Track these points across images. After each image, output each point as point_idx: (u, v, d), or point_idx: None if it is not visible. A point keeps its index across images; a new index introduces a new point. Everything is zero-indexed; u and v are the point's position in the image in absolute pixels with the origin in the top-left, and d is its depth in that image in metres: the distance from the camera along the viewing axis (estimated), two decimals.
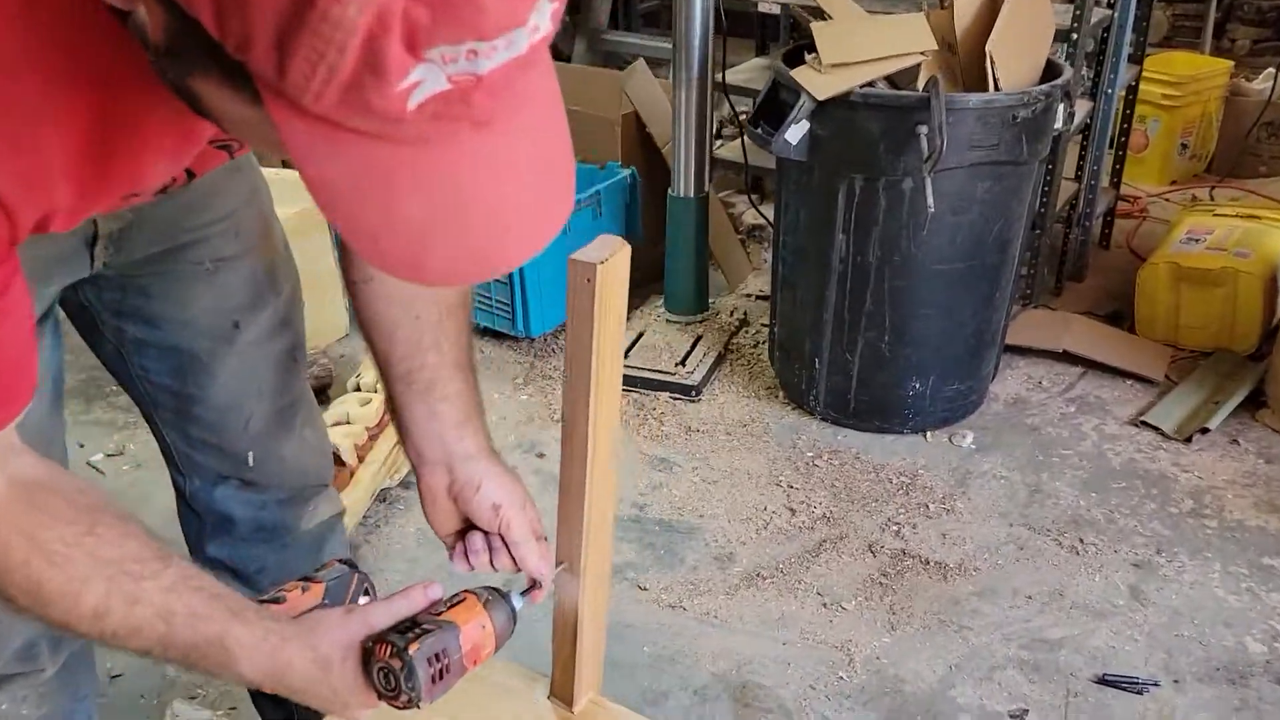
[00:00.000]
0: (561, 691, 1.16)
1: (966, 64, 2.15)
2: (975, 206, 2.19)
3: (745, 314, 2.94)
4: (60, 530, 0.76)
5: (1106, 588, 1.98)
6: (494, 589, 0.94)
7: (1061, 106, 2.29)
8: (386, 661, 0.83)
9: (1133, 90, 3.17)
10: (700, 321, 2.86)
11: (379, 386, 2.23)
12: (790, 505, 2.21)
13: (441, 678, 0.85)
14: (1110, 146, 3.17)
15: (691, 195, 2.72)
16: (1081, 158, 2.97)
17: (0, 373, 0.71)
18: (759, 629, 1.89)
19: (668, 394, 2.59)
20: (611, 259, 0.98)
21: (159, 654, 0.80)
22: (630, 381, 2.62)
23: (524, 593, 0.97)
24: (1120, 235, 3.39)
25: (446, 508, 1.02)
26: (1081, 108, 2.79)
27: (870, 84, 2.12)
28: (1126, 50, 2.90)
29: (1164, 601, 1.94)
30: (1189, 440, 2.39)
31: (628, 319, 2.89)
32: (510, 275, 2.64)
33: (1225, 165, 3.91)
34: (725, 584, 2.00)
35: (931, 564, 2.04)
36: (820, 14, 2.32)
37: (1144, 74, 3.72)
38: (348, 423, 2.14)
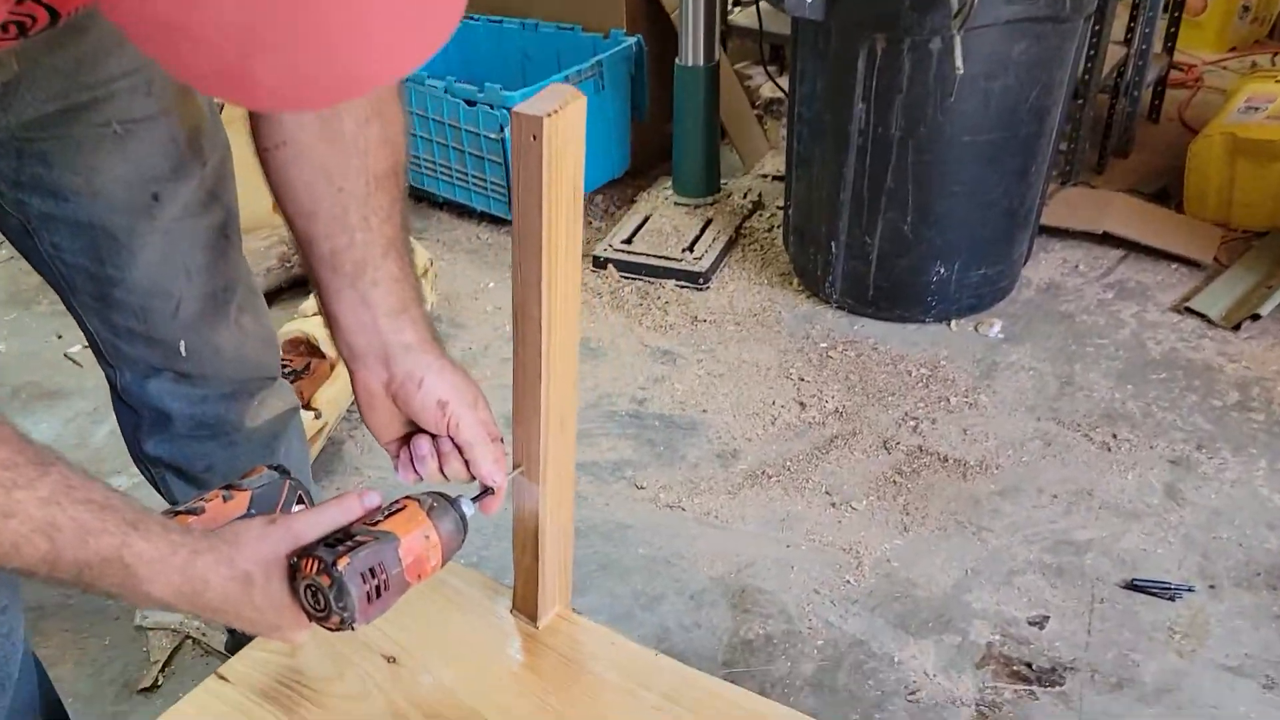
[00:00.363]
0: (525, 605, 1.04)
1: None
2: (1010, 70, 1.97)
3: (760, 196, 2.75)
4: None
5: (1140, 486, 1.83)
6: (440, 494, 0.83)
7: None
8: (313, 578, 0.73)
9: None
10: (711, 204, 2.68)
11: None
12: (800, 399, 2.07)
13: (379, 595, 0.75)
14: (1164, 9, 2.90)
15: (701, 64, 2.51)
16: (1132, 19, 2.70)
17: None
18: (762, 530, 1.77)
19: (674, 282, 2.43)
20: (562, 111, 0.81)
21: (46, 574, 0.70)
22: (634, 269, 2.46)
23: (476, 499, 0.86)
24: (1171, 107, 3.13)
25: (386, 409, 0.89)
26: None
27: None
28: None
29: (1202, 501, 1.80)
30: (1237, 328, 2.21)
31: (633, 202, 2.73)
32: (505, 154, 2.47)
33: None
34: (727, 483, 1.88)
35: (950, 461, 1.90)
36: None
37: None
38: None
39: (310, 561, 0.74)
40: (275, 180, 0.87)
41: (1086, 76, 2.50)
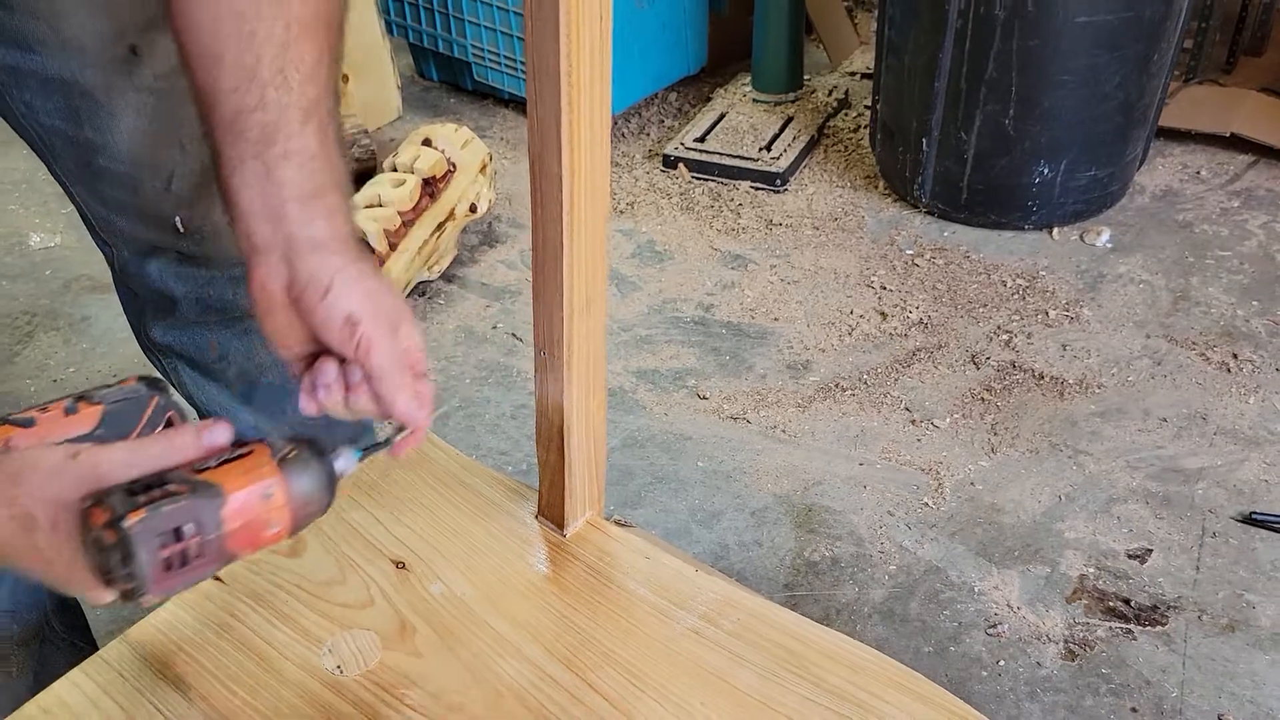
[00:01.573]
0: (550, 511, 0.93)
1: None
2: None
3: (847, 93, 2.55)
4: None
5: (1262, 411, 1.64)
6: (307, 441, 0.65)
7: None
8: (99, 531, 0.58)
9: None
10: (792, 101, 2.49)
11: (415, 165, 1.98)
12: (881, 309, 1.91)
13: (182, 564, 0.59)
14: None
15: None
16: None
17: None
18: (833, 447, 1.63)
19: (749, 182, 2.27)
20: None
21: None
22: (706, 168, 2.30)
23: (368, 449, 0.68)
24: None
25: (285, 318, 0.71)
26: None
27: None
28: None
29: None
30: None
31: (708, 99, 2.56)
32: None
33: None
34: (797, 395, 1.73)
35: (1046, 379, 1.73)
36: None
37: None
38: (379, 205, 1.91)
39: (99, 511, 0.58)
40: (174, 10, 0.72)
41: None
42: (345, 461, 0.65)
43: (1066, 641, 1.32)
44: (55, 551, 0.59)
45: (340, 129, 0.74)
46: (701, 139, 2.36)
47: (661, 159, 2.35)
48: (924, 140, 2.05)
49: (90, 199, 0.98)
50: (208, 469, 0.61)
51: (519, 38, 2.44)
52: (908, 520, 1.50)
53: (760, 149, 2.31)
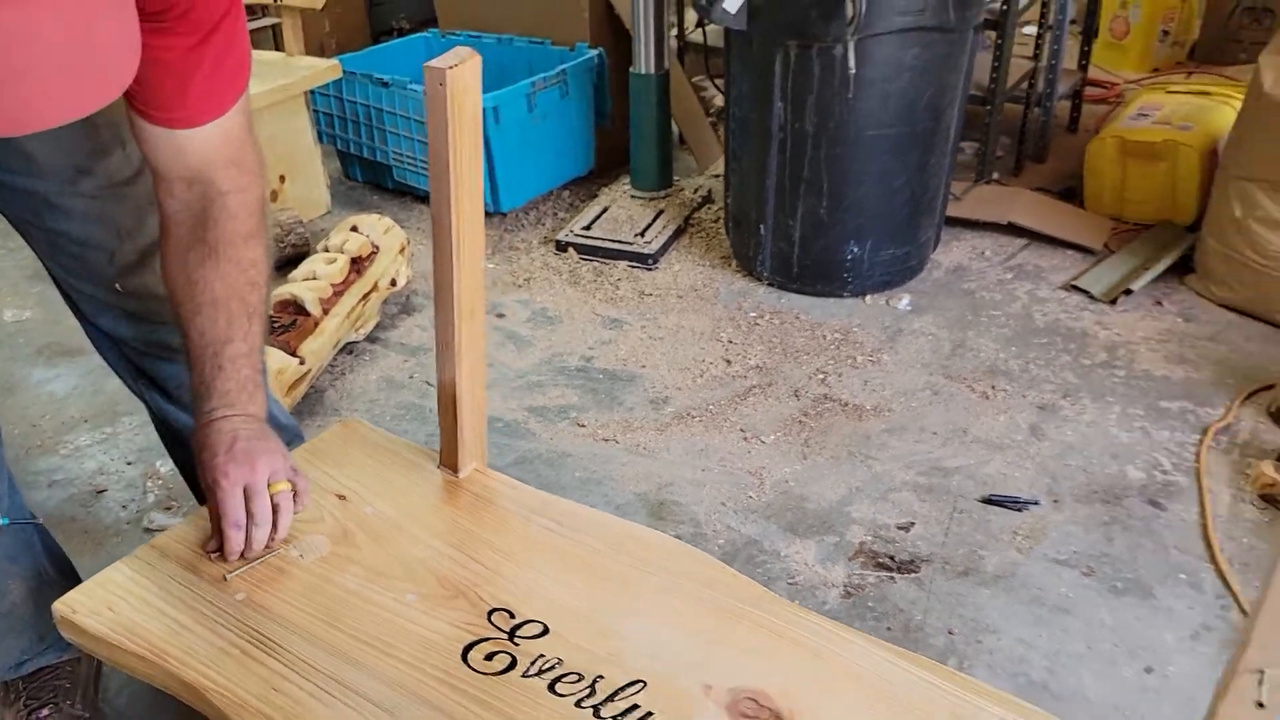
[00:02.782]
0: (448, 460, 1.35)
1: None
2: (905, 73, 2.29)
3: (709, 192, 3.07)
4: None
5: (1009, 426, 2.13)
6: None
7: None
8: None
9: None
10: (664, 197, 3.00)
11: (344, 247, 2.41)
12: (727, 357, 2.38)
13: None
14: (1082, 32, 3.23)
15: (652, 72, 2.84)
16: (1039, 37, 3.03)
17: None
18: (682, 458, 2.07)
19: (626, 262, 2.75)
20: (461, 65, 1.13)
21: None
22: (591, 250, 2.78)
23: None
24: (1091, 120, 3.44)
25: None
26: None
27: None
28: None
29: (1059, 437, 2.09)
30: (1114, 302, 2.51)
31: (595, 196, 3.05)
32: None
33: (1207, 52, 3.93)
34: (657, 422, 2.18)
35: (850, 406, 2.21)
36: None
37: None
38: (314, 278, 2.33)
39: None
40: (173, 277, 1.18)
41: (993, 85, 2.82)
42: None
43: (845, 586, 1.76)
44: None
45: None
46: (588, 227, 2.85)
47: (555, 244, 2.82)
48: (761, 227, 2.56)
49: (56, 268, 1.34)
50: None
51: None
52: (735, 508, 1.94)
53: (636, 235, 2.80)
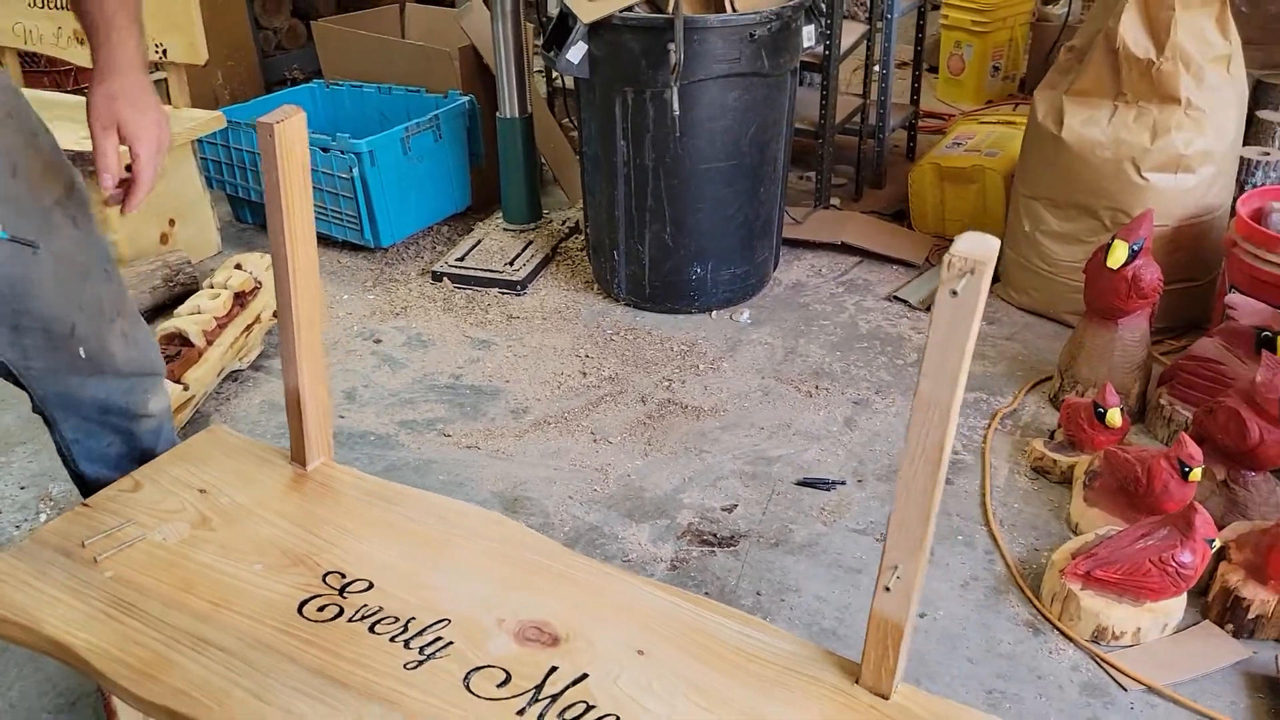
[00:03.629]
0: (298, 455, 1.57)
1: None
2: (729, 113, 2.59)
3: (576, 223, 3.33)
4: None
5: (827, 420, 2.41)
6: None
7: (812, 27, 2.70)
8: None
9: (921, 16, 3.57)
10: (533, 229, 3.25)
11: (228, 283, 2.61)
12: (584, 370, 2.63)
13: None
14: (913, 69, 3.59)
15: (516, 115, 3.10)
16: (867, 77, 3.37)
17: None
18: (537, 460, 2.31)
19: (496, 289, 2.99)
20: (287, 120, 1.36)
21: None
22: (464, 280, 3.01)
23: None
24: (927, 148, 3.80)
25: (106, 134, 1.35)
26: (855, 30, 3.19)
27: (630, 9, 2.50)
28: None
29: (869, 427, 2.38)
30: (928, 309, 2.82)
31: (469, 230, 3.29)
32: (355, 188, 3.01)
33: (1034, 85, 4.33)
34: (516, 429, 2.41)
35: (689, 408, 2.47)
36: None
37: (957, 3, 4.14)
38: (199, 312, 2.52)
39: None
40: None
41: (822, 121, 3.14)
42: None
43: (672, 561, 2.01)
44: None
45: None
46: (462, 258, 3.09)
47: (431, 274, 3.05)
48: (615, 253, 2.82)
49: (12, 352, 1.43)
50: None
51: (316, 188, 3.13)
52: (581, 500, 2.18)
53: (506, 264, 3.05)
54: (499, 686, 1.19)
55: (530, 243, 3.18)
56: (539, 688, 1.19)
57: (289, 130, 1.37)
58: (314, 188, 3.11)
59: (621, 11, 2.49)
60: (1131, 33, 2.37)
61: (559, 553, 1.40)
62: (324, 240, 3.26)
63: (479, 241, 3.18)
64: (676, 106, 2.45)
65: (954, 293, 0.99)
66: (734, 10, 2.49)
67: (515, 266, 3.04)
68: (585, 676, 1.20)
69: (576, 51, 2.56)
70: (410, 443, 2.38)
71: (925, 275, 2.99)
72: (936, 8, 4.32)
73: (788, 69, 2.65)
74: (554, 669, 1.21)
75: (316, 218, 3.16)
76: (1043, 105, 2.61)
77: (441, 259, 3.12)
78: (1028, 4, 4.30)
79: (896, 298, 2.90)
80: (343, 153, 2.99)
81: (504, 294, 2.98)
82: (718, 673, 1.20)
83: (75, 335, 1.45)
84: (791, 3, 2.58)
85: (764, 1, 2.57)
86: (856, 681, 1.19)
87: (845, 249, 3.13)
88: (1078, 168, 2.52)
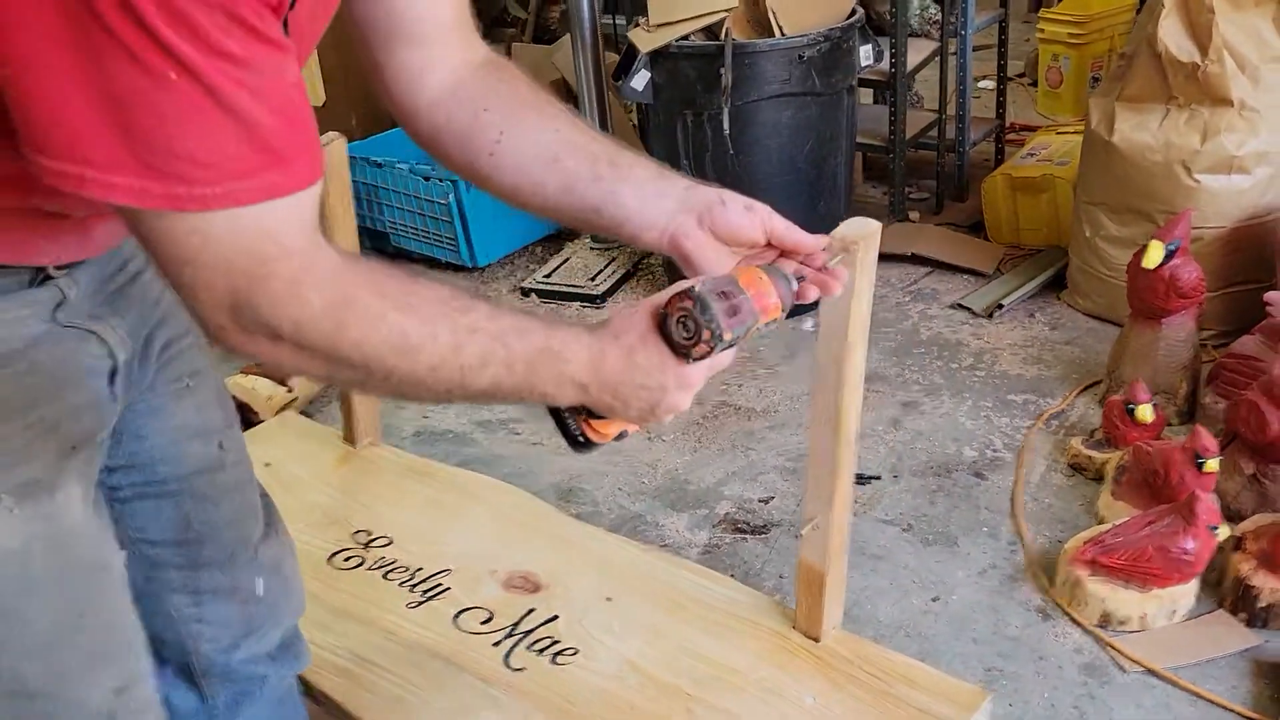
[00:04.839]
0: (348, 436, 1.81)
1: (765, 16, 2.69)
2: (783, 131, 2.73)
3: None
4: (393, 283, 0.77)
5: (875, 419, 2.50)
6: (767, 264, 0.95)
7: (869, 46, 2.82)
8: (679, 307, 0.83)
9: (1003, 30, 3.60)
10: (617, 248, 3.46)
11: None
12: None
13: (735, 313, 0.84)
14: (1001, 83, 3.63)
15: None
16: (942, 93, 3.43)
17: (297, 119, 0.71)
18: (595, 456, 2.44)
19: (578, 303, 3.21)
20: (326, 146, 1.60)
21: (509, 382, 0.81)
22: (548, 294, 3.24)
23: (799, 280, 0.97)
24: None
25: (711, 244, 0.97)
26: (926, 47, 3.28)
27: (685, 38, 2.68)
28: None
29: (913, 426, 2.46)
30: (990, 316, 2.87)
31: (559, 249, 3.53)
32: (452, 212, 3.30)
33: None
34: None
35: (743, 409, 2.60)
36: None
37: (1053, 15, 4.16)
38: None
39: (673, 299, 0.84)
40: (510, 178, 0.97)
41: (892, 137, 3.23)
42: (793, 279, 0.94)
43: (705, 546, 2.15)
44: (648, 359, 0.84)
45: None
46: (548, 275, 3.32)
47: (520, 290, 3.30)
48: None
49: (186, 602, 1.08)
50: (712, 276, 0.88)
51: (418, 214, 3.43)
52: (629, 491, 2.35)
53: (588, 280, 3.26)
54: (482, 624, 1.38)
55: (613, 260, 3.38)
56: (515, 625, 1.37)
57: (329, 154, 1.61)
58: (416, 213, 3.43)
59: (678, 40, 2.67)
60: (1173, 37, 2.38)
61: (555, 517, 1.58)
62: (427, 261, 3.56)
63: (566, 260, 3.41)
64: (727, 126, 2.61)
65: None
66: (782, 34, 2.64)
67: (596, 281, 3.25)
68: (556, 617, 1.38)
69: (640, 79, 2.76)
70: (484, 440, 2.61)
71: (993, 283, 3.02)
72: (1028, 22, 4.32)
73: (842, 87, 2.77)
74: (531, 610, 1.39)
75: (419, 241, 3.48)
76: (1096, 113, 2.64)
77: (530, 276, 3.37)
78: (1126, 15, 4.23)
79: (960, 305, 2.95)
80: (441, 180, 3.28)
81: (585, 307, 3.19)
82: (671, 616, 1.35)
83: (258, 558, 1.17)
84: (840, 24, 2.71)
85: (814, 23, 2.70)
86: (794, 627, 1.32)
87: (916, 260, 3.19)
88: (1130, 172, 2.54)
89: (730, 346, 0.85)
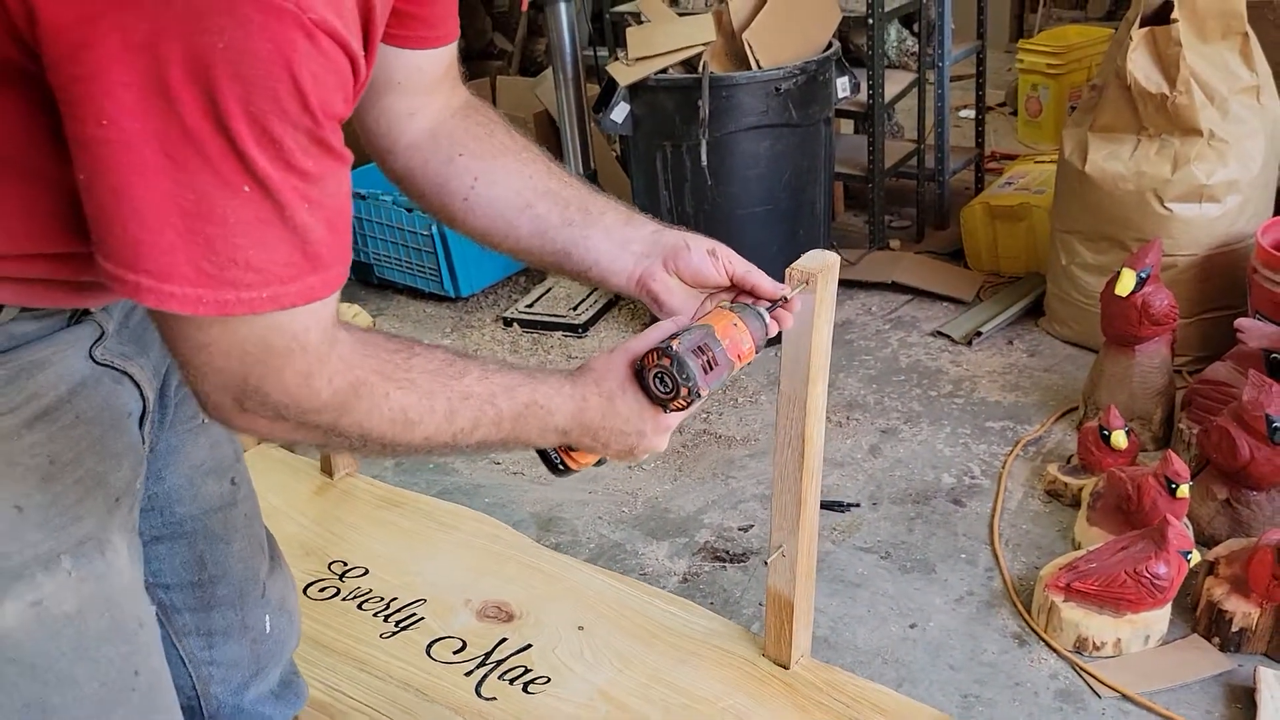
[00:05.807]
0: (326, 467, 1.81)
1: (742, 49, 2.73)
2: (762, 162, 2.76)
3: None
4: (395, 360, 0.79)
5: (853, 447, 2.52)
6: (738, 303, 0.99)
7: (846, 79, 2.86)
8: (656, 364, 0.88)
9: (980, 63, 3.65)
10: None
11: None
12: None
13: (711, 368, 0.89)
14: (980, 113, 3.68)
15: (580, 171, 3.35)
16: (920, 123, 3.47)
17: (342, 230, 0.72)
18: (574, 485, 2.50)
19: (560, 332, 3.22)
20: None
21: (496, 438, 0.85)
22: (531, 324, 3.26)
23: (769, 309, 1.01)
24: None
25: (678, 286, 1.01)
26: (904, 79, 3.33)
27: (664, 71, 2.72)
28: (949, 28, 3.39)
29: (892, 454, 2.47)
30: (970, 343, 2.89)
31: (543, 279, 3.54)
32: (435, 244, 3.32)
33: None
34: None
35: (723, 438, 2.62)
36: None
37: (1032, 46, 4.22)
38: None
39: (651, 355, 0.89)
40: (482, 222, 1.00)
41: (870, 166, 3.27)
42: (764, 314, 0.98)
43: (684, 574, 2.15)
44: (628, 406, 0.89)
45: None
46: (531, 305, 3.34)
47: (503, 320, 3.32)
48: None
49: (198, 645, 1.08)
50: (691, 328, 0.92)
51: (401, 245, 3.45)
52: (609, 520, 2.35)
53: (570, 309, 3.28)
54: (455, 653, 1.38)
55: (595, 290, 3.40)
56: (488, 655, 1.37)
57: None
58: (400, 244, 3.45)
59: (657, 74, 2.71)
60: (1142, 69, 2.43)
61: (530, 547, 1.59)
62: (410, 292, 3.58)
63: (549, 289, 3.43)
64: (705, 157, 2.64)
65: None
66: (759, 67, 2.68)
67: (578, 311, 3.27)
68: (529, 646, 1.38)
69: (620, 112, 2.79)
70: (465, 469, 2.61)
71: (972, 310, 3.05)
72: (1009, 52, 4.38)
73: (819, 118, 2.81)
74: (503, 640, 1.40)
75: (402, 272, 3.49)
76: (1070, 142, 2.68)
77: (513, 306, 3.38)
78: (1103, 45, 4.29)
79: (940, 333, 2.97)
80: (423, 212, 3.30)
81: (567, 336, 3.21)
82: (642, 644, 1.36)
83: (266, 597, 1.17)
84: (816, 57, 2.75)
85: (790, 56, 2.74)
86: (763, 654, 1.32)
87: (896, 288, 3.22)
88: (1103, 201, 2.57)
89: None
